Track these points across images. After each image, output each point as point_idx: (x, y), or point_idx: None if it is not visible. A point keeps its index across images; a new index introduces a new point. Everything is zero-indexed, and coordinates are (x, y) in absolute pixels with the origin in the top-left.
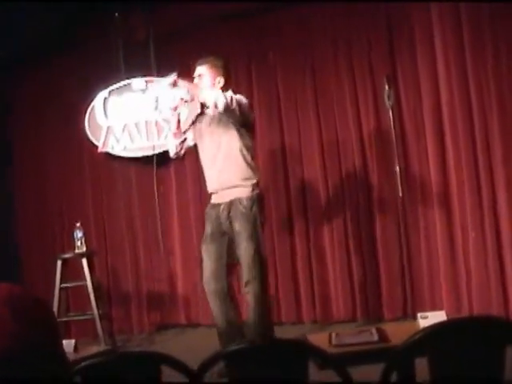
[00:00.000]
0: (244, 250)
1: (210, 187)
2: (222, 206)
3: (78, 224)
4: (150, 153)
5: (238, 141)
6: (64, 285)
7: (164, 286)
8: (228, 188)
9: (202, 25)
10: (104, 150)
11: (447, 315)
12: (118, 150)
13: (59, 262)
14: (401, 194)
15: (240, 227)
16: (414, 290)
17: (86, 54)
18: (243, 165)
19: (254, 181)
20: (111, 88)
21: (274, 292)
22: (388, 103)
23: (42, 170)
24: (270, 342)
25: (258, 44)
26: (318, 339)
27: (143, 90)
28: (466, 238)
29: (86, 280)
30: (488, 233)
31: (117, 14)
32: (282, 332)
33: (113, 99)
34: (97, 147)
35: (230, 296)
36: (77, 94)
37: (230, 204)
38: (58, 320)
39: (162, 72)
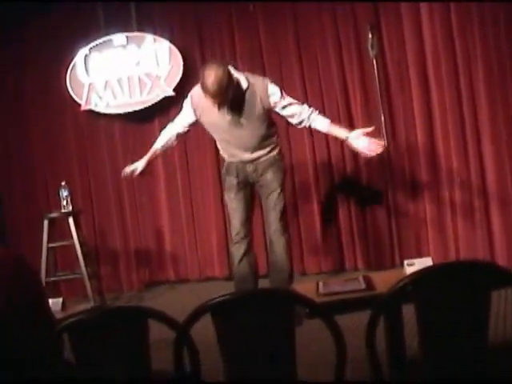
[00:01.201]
0: (277, 197)
1: (234, 158)
2: (247, 163)
3: (64, 183)
4: (134, 109)
5: (268, 119)
6: (51, 244)
7: (152, 242)
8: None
9: None
10: (87, 107)
11: (434, 262)
12: (101, 107)
13: (46, 222)
14: (386, 144)
15: (273, 175)
16: (401, 238)
17: (65, 11)
18: (273, 139)
19: (277, 143)
20: (92, 44)
21: (262, 245)
22: (372, 52)
23: (25, 130)
24: (257, 291)
25: None
26: (305, 289)
27: (124, 46)
28: (451, 185)
29: (73, 239)
30: (474, 179)
31: None
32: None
33: (94, 56)
34: (79, 105)
35: (252, 245)
36: (57, 52)
37: (257, 159)
38: (47, 280)
39: (142, 27)
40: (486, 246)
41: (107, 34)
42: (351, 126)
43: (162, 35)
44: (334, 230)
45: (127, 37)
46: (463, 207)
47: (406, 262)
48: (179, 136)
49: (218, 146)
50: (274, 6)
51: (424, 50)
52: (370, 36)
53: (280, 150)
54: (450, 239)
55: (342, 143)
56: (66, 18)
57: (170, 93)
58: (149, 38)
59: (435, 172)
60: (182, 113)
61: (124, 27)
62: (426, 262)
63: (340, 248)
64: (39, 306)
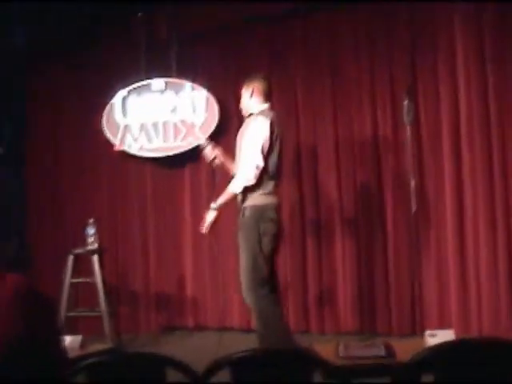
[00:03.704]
0: (243, 265)
1: None
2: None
3: (91, 220)
4: (166, 154)
5: None
6: (74, 280)
7: (173, 287)
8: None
9: (225, 28)
10: (120, 148)
11: (455, 334)
12: (134, 149)
13: (70, 257)
14: (414, 210)
15: (241, 238)
16: (423, 306)
17: (108, 52)
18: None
19: (262, 191)
20: (131, 87)
21: (284, 301)
22: (407, 118)
23: (57, 165)
24: (277, 350)
25: (280, 50)
26: (325, 350)
27: (162, 91)
28: (477, 257)
29: (95, 277)
30: (500, 252)
31: (140, 14)
32: None
33: (132, 98)
34: (113, 145)
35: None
36: (97, 91)
37: (241, 211)
38: (67, 315)
39: (181, 74)
40: (509, 322)
41: (147, 77)
42: (381, 189)
43: (201, 84)
44: (356, 292)
45: (166, 82)
46: (488, 281)
47: (427, 332)
48: None
49: None
50: (313, 62)
51: (459, 118)
52: (407, 101)
53: (258, 207)
54: (473, 312)
55: (370, 204)
56: (109, 58)
57: (204, 141)
58: (187, 85)
59: (462, 242)
60: None
61: (164, 72)
62: (448, 334)
63: (361, 310)
64: (53, 341)
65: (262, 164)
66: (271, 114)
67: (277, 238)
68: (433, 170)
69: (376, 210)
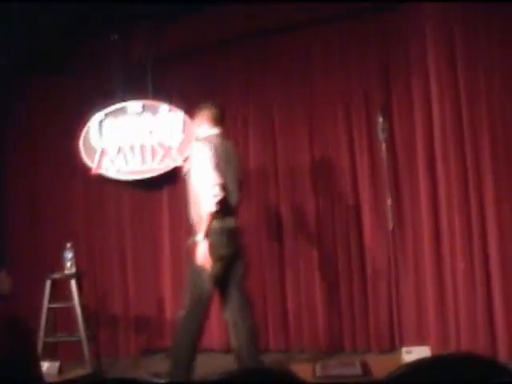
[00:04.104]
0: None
1: None
2: None
3: (69, 245)
4: (144, 176)
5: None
6: (52, 305)
7: (152, 309)
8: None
9: (201, 50)
10: (97, 171)
11: (433, 350)
12: (112, 172)
13: (48, 282)
14: (391, 227)
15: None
16: (401, 323)
17: (83, 75)
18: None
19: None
20: (107, 110)
21: (263, 320)
22: (382, 136)
23: (34, 189)
24: (255, 370)
25: (256, 69)
26: (303, 370)
27: (139, 114)
28: (455, 273)
29: (74, 301)
30: (477, 268)
31: (116, 36)
32: (269, 360)
33: (108, 121)
34: (90, 169)
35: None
36: (73, 115)
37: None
38: (46, 340)
39: (158, 96)
40: (488, 338)
41: (123, 99)
42: (358, 207)
43: (177, 105)
44: (335, 309)
45: (144, 105)
46: (466, 297)
47: (403, 349)
48: None
49: None
50: (288, 81)
51: (433, 134)
52: (381, 119)
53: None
54: (451, 327)
55: (347, 222)
56: (84, 81)
57: (181, 163)
58: (164, 107)
59: (439, 258)
60: None
61: (140, 94)
62: (423, 350)
63: (340, 328)
64: (30, 367)
65: (220, 179)
66: (217, 139)
67: (221, 261)
68: (408, 186)
69: (353, 228)
